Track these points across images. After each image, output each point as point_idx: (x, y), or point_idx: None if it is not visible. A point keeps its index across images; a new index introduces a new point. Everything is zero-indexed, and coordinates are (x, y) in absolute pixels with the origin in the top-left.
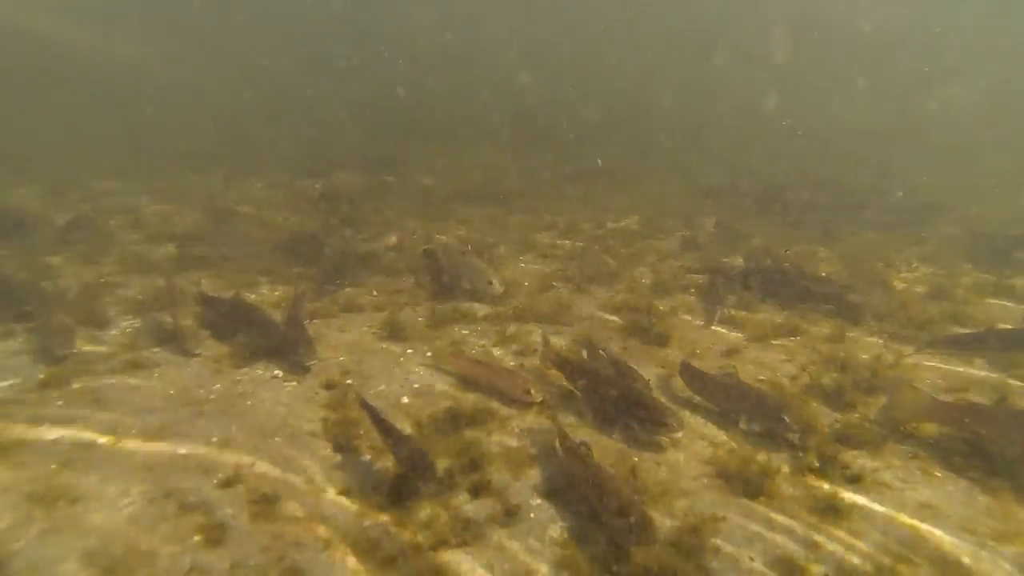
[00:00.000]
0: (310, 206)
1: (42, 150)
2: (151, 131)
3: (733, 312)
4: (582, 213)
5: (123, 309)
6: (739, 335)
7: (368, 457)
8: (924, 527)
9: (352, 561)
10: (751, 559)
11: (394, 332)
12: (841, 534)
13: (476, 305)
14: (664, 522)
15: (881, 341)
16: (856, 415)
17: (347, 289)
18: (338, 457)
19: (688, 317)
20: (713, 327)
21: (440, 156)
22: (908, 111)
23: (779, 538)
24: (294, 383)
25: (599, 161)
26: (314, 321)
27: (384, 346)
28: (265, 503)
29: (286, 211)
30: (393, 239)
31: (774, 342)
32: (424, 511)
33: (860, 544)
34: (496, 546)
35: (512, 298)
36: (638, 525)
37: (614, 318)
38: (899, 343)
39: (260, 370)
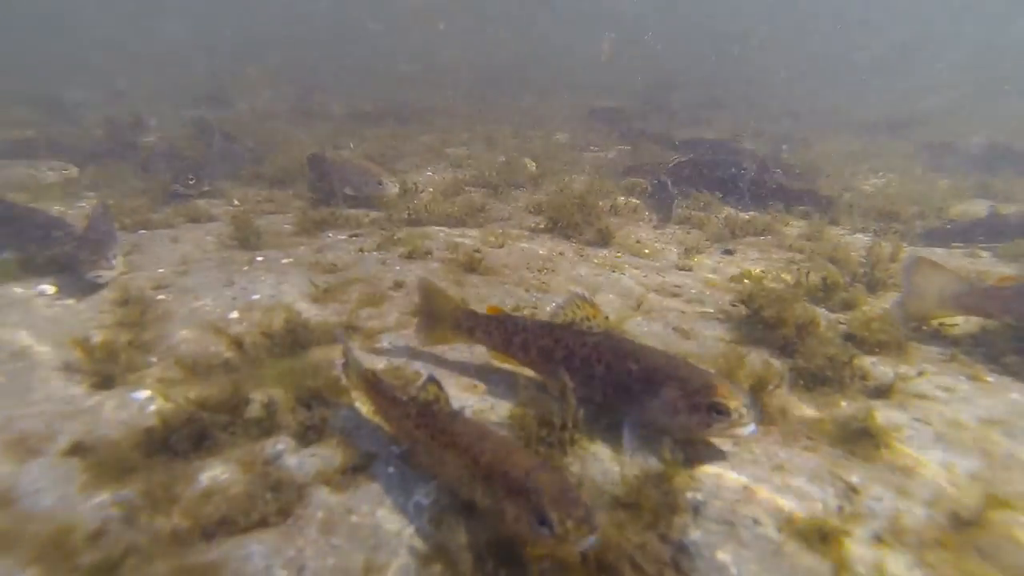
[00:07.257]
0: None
1: None
2: None
3: (690, 212)
4: (506, 130)
5: None
6: (699, 234)
7: (144, 395)
8: (999, 451)
9: None
10: (754, 523)
11: (244, 239)
12: (885, 473)
13: (364, 211)
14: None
15: (868, 238)
16: (861, 315)
17: (199, 201)
18: (95, 398)
19: (634, 217)
20: (669, 227)
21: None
22: None
23: (796, 483)
24: (71, 301)
25: None
26: (140, 232)
27: (226, 255)
28: None
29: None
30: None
31: (743, 240)
32: (211, 471)
33: (915, 487)
34: (321, 524)
35: (411, 202)
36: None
37: (537, 219)
38: (891, 240)
39: (19, 288)
